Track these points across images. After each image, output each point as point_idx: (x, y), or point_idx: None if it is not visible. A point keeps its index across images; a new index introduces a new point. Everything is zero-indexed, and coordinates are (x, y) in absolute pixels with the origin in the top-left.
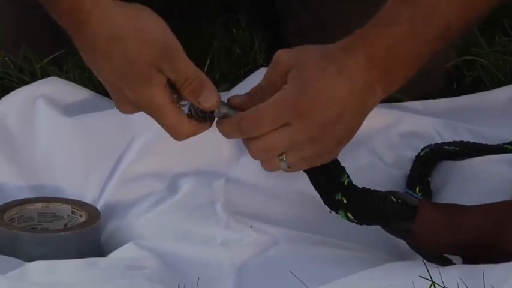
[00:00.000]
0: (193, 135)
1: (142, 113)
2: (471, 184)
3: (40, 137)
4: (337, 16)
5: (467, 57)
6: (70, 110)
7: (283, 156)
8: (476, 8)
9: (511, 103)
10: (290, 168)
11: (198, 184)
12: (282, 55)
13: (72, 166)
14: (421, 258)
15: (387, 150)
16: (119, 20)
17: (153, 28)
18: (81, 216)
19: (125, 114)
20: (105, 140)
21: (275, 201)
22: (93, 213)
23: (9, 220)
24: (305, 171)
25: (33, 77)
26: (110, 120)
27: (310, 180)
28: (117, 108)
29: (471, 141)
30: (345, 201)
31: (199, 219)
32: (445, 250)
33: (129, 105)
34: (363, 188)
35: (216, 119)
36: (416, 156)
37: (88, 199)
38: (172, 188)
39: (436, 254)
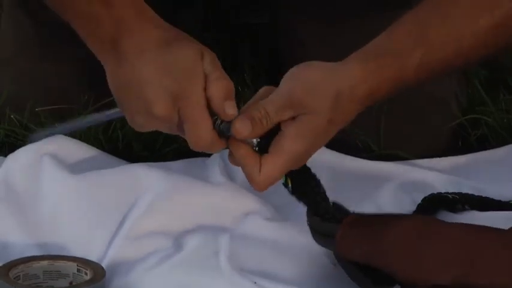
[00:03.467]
0: (211, 150)
1: (148, 171)
2: None
3: (46, 194)
4: None
5: (472, 116)
6: (76, 167)
7: None
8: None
9: None
10: None
11: (203, 239)
12: (293, 89)
13: (78, 224)
14: None
15: (392, 205)
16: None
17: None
18: (86, 274)
19: (130, 173)
20: (111, 198)
21: (280, 258)
22: (98, 271)
23: (14, 278)
24: None
25: None
26: (115, 177)
27: None
28: (132, 122)
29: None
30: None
31: (203, 274)
32: (367, 260)
33: (166, 103)
34: (314, 175)
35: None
36: (417, 206)
37: (93, 257)
38: (178, 245)
39: (361, 266)
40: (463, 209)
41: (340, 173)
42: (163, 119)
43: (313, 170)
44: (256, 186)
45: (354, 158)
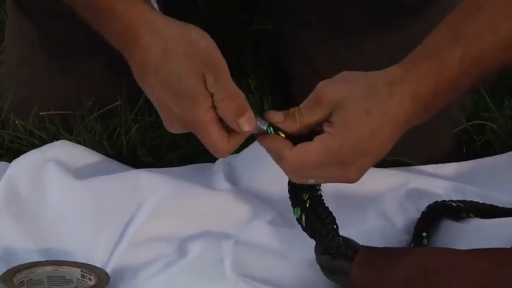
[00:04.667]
0: (232, 151)
1: (152, 177)
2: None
3: (50, 200)
4: None
5: (476, 122)
6: (80, 173)
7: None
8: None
9: None
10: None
11: (207, 245)
12: (326, 90)
13: (82, 229)
14: None
15: (397, 214)
16: (171, 35)
17: (204, 45)
18: (90, 279)
19: (134, 178)
20: (115, 203)
21: (283, 265)
22: (102, 277)
23: (18, 283)
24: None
25: (43, 141)
26: (119, 183)
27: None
28: (165, 127)
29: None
30: (307, 205)
31: (208, 281)
32: None
33: (176, 123)
34: (329, 211)
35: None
36: (421, 214)
37: (97, 262)
38: (182, 250)
39: None
40: (468, 217)
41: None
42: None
43: None
44: (285, 163)
45: None
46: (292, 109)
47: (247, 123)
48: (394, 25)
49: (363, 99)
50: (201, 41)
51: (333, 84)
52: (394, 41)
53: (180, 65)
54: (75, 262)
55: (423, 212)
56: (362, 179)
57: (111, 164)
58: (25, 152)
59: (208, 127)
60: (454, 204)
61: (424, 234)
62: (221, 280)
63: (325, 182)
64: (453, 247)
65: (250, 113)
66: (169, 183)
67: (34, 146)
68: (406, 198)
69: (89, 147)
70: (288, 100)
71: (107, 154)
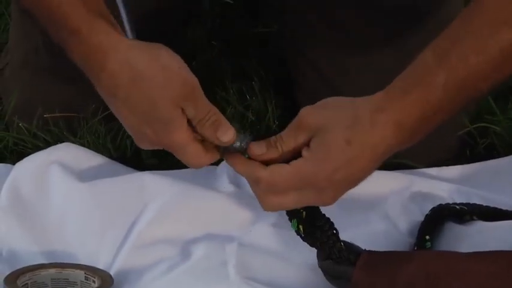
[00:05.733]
0: (209, 163)
1: (156, 179)
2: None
3: (54, 202)
4: (347, 77)
5: (480, 124)
6: (84, 175)
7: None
8: (504, 71)
9: None
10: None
11: (210, 248)
12: (308, 116)
13: (86, 231)
14: None
15: (401, 217)
16: (138, 61)
17: (176, 68)
18: (94, 282)
19: (138, 181)
20: (119, 206)
21: (286, 268)
22: (106, 279)
23: (22, 286)
24: None
25: (47, 143)
26: (123, 186)
27: None
28: (138, 145)
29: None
30: (303, 216)
31: (211, 283)
32: None
33: (150, 144)
34: (325, 218)
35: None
36: (425, 217)
37: (101, 265)
38: (185, 253)
39: None
40: (471, 220)
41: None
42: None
43: None
44: (260, 184)
45: None
46: (273, 137)
47: (226, 135)
48: (394, 26)
49: (344, 128)
50: (172, 64)
51: (316, 111)
52: (395, 41)
53: (153, 92)
54: (79, 264)
55: (427, 215)
56: (366, 181)
57: (115, 166)
58: (29, 154)
59: (185, 148)
60: (457, 207)
61: (427, 237)
62: (225, 283)
63: (300, 206)
64: (456, 250)
65: (226, 125)
66: (173, 186)
67: (38, 149)
68: (409, 200)
69: (93, 150)
70: (292, 102)
71: (111, 156)
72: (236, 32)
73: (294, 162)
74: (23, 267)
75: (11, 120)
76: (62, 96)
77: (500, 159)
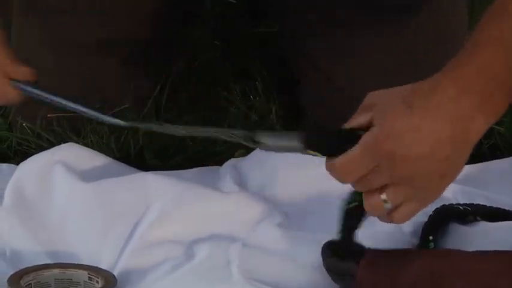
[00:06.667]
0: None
1: (159, 179)
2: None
3: (57, 202)
4: (349, 75)
5: None
6: (87, 175)
7: (385, 197)
8: None
9: None
10: (397, 211)
11: (214, 248)
12: (368, 97)
13: (89, 232)
14: None
15: None
16: None
17: None
18: (97, 282)
19: (141, 181)
20: (122, 206)
21: (290, 268)
22: (109, 279)
23: (26, 286)
24: None
25: (51, 143)
26: (126, 186)
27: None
28: None
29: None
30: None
31: (215, 284)
32: None
33: None
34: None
35: None
36: (428, 217)
37: (104, 265)
38: (189, 253)
39: None
40: (475, 220)
41: None
42: None
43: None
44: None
45: None
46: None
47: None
48: (393, 24)
49: (403, 95)
50: None
51: (377, 92)
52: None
53: None
54: (82, 265)
55: (430, 215)
56: None
57: (118, 166)
58: (33, 154)
59: None
60: (461, 207)
61: (430, 237)
62: (228, 283)
63: (396, 201)
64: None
65: None
66: (177, 186)
67: (42, 149)
68: None
69: (97, 150)
70: (295, 102)
71: (114, 157)
72: (237, 32)
73: (360, 140)
74: (27, 268)
75: (14, 120)
76: (65, 96)
77: (504, 159)
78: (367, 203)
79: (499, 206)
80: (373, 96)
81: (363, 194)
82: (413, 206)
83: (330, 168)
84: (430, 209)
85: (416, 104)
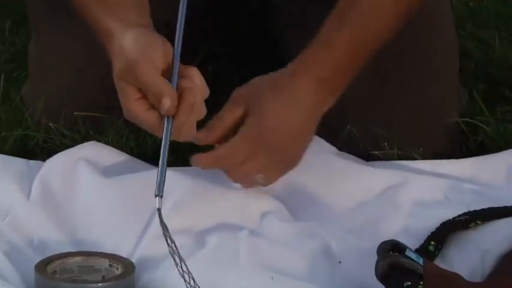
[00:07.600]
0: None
1: (174, 175)
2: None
3: (80, 195)
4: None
5: (469, 120)
6: (108, 171)
7: (258, 176)
8: (400, 18)
9: None
10: (266, 182)
11: (223, 237)
12: (237, 91)
13: (110, 223)
14: None
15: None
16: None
17: (132, 51)
18: (117, 269)
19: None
20: (140, 200)
21: (293, 255)
22: (128, 266)
23: (52, 272)
24: None
25: (75, 142)
26: (144, 181)
27: None
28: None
29: (477, 202)
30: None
31: (224, 268)
32: None
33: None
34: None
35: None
36: (431, 233)
37: (124, 253)
38: (200, 242)
39: None
40: (476, 225)
41: (354, 184)
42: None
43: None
44: (222, 161)
45: (361, 165)
46: (210, 121)
47: (164, 102)
48: None
49: (272, 90)
50: (131, 47)
51: (244, 85)
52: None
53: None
54: (104, 253)
55: (433, 232)
56: (355, 178)
57: (137, 163)
58: (58, 151)
59: (136, 116)
60: (462, 218)
61: (432, 242)
62: (236, 267)
63: (265, 170)
64: (463, 251)
65: (166, 94)
66: (189, 181)
67: (66, 147)
68: (405, 202)
69: (117, 148)
70: None
71: (133, 154)
72: (239, 38)
73: (239, 131)
74: (52, 255)
75: (40, 120)
76: (87, 98)
77: (495, 154)
78: (245, 185)
79: (489, 200)
80: (241, 91)
81: None
82: (277, 177)
83: (215, 159)
84: (425, 209)
85: (283, 98)
